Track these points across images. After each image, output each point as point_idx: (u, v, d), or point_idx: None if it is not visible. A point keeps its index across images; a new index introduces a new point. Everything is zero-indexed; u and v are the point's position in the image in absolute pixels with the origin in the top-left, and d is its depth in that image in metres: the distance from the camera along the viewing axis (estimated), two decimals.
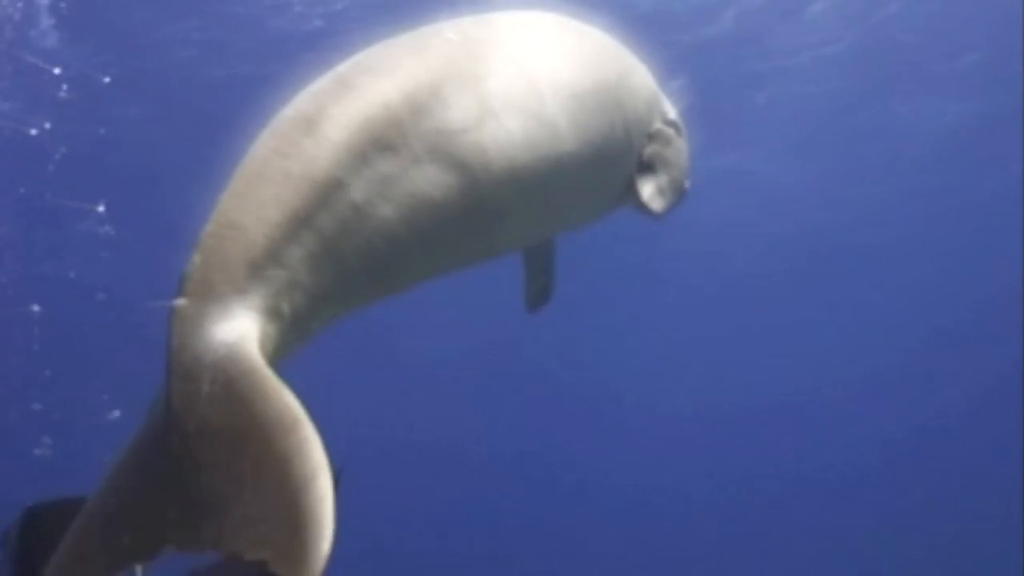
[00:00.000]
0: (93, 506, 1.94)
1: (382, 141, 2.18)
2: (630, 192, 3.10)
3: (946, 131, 14.35)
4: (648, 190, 3.09)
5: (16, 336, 13.23)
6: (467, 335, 18.40)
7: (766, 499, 24.52)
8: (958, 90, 13.51)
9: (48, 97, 10.85)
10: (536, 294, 3.78)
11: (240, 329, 1.87)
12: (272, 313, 1.96)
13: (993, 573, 17.92)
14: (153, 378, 1.99)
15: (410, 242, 2.22)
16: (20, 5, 9.59)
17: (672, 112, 3.45)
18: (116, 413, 10.74)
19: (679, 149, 3.34)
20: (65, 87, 10.72)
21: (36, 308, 12.94)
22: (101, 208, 12.25)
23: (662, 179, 3.15)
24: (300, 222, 2.03)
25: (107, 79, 11.05)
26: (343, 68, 2.34)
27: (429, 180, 2.23)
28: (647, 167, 3.14)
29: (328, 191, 2.08)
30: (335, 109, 2.18)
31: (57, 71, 10.47)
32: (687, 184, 3.37)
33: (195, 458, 1.76)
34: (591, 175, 2.76)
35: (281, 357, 1.96)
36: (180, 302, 1.87)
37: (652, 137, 3.20)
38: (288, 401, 1.78)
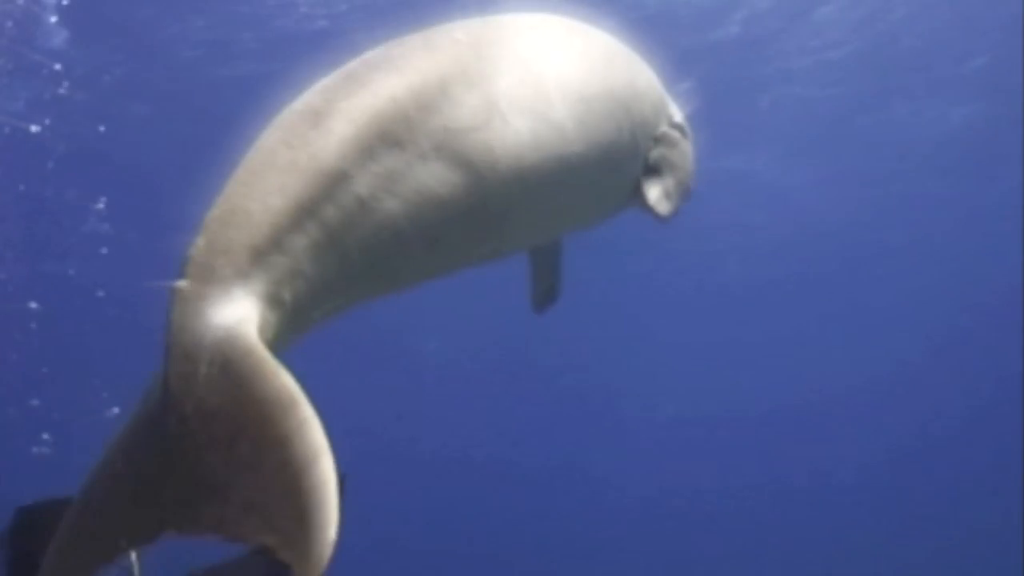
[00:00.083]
0: (89, 491, 1.93)
1: (389, 136, 2.18)
2: (636, 194, 3.10)
3: (950, 135, 14.36)
4: (654, 193, 3.08)
5: (15, 333, 13.23)
6: (472, 336, 18.41)
7: (768, 502, 24.53)
8: (962, 94, 13.52)
9: (50, 94, 10.86)
10: (543, 295, 3.78)
11: (240, 312, 1.87)
12: (273, 300, 1.96)
13: None
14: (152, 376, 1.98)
15: (414, 238, 2.22)
16: (22, 3, 9.59)
17: (678, 115, 3.45)
18: (115, 410, 10.72)
19: (685, 152, 3.34)
20: (67, 84, 10.73)
21: (35, 305, 12.93)
22: (101, 206, 12.25)
23: (668, 182, 3.15)
24: (305, 212, 2.03)
25: (108, 77, 11.06)
26: (352, 64, 2.35)
27: (435, 177, 2.23)
28: (653, 170, 3.13)
29: (334, 183, 2.08)
30: (343, 103, 2.18)
31: (58, 67, 10.48)
32: (693, 186, 3.37)
33: (193, 440, 1.75)
34: (597, 177, 2.76)
35: (280, 345, 1.95)
36: (181, 284, 1.87)
37: (658, 140, 3.19)
38: (286, 382, 1.78)
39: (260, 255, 1.95)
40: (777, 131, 14.09)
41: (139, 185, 12.58)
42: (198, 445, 1.75)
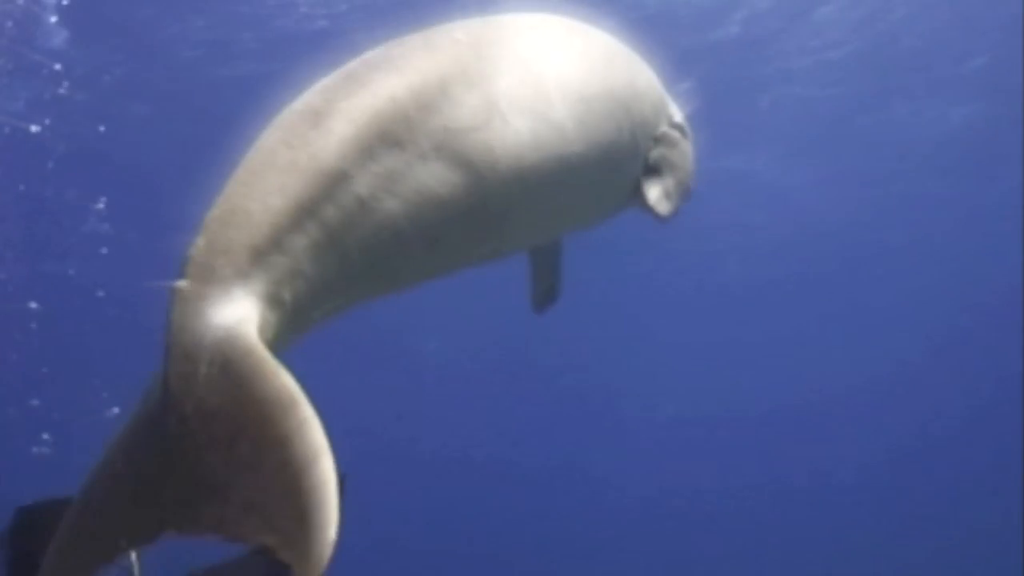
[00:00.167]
0: (89, 491, 1.93)
1: (389, 136, 2.18)
2: (637, 194, 3.10)
3: (950, 135, 14.37)
4: (655, 193, 3.08)
5: (15, 333, 13.23)
6: (472, 336, 18.42)
7: (768, 502, 24.53)
8: (962, 94, 13.53)
9: (50, 94, 10.85)
10: (543, 295, 3.78)
11: (240, 312, 1.87)
12: (273, 300, 1.96)
13: None
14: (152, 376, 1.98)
15: (414, 238, 2.22)
16: (22, 3, 9.59)
17: (678, 115, 3.45)
18: (115, 410, 10.72)
19: (685, 152, 3.34)
20: (67, 84, 10.72)
21: (35, 305, 12.93)
22: (101, 206, 12.25)
23: (668, 182, 3.15)
24: (305, 212, 2.03)
25: (108, 77, 11.05)
26: (352, 64, 2.35)
27: (435, 177, 2.23)
28: (653, 170, 3.13)
29: (333, 183, 2.08)
30: (343, 103, 2.18)
31: (58, 67, 10.47)
32: (693, 186, 3.37)
33: (193, 440, 1.75)
34: (597, 177, 2.76)
35: (280, 345, 1.95)
36: (181, 284, 1.87)
37: (658, 140, 3.19)
38: (286, 382, 1.78)
39: (260, 255, 1.95)
40: (777, 131, 14.09)
41: (139, 185, 12.58)
42: (198, 445, 1.75)
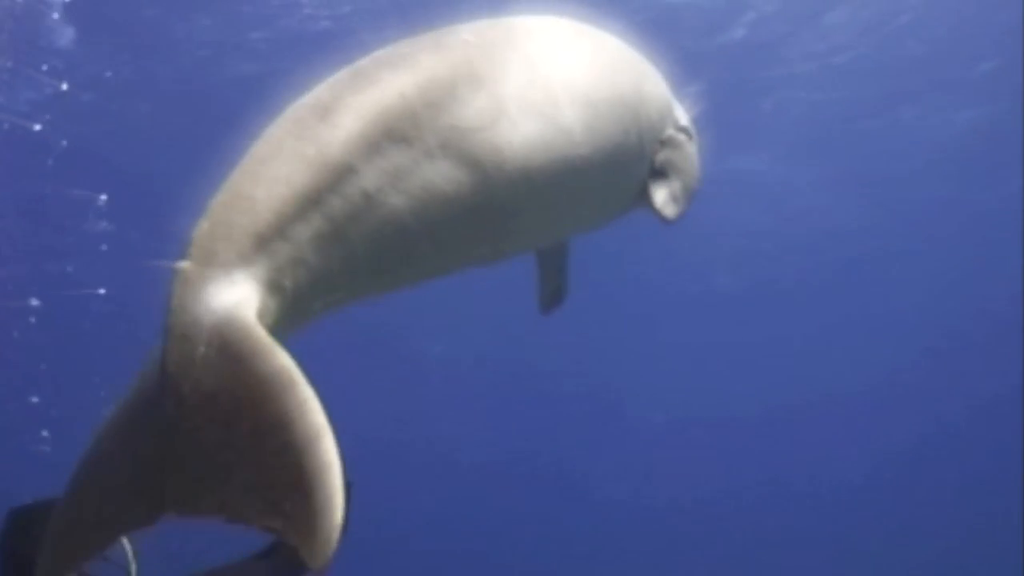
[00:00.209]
0: (83, 474, 1.92)
1: (396, 132, 2.19)
2: (643, 197, 3.11)
3: (955, 140, 14.38)
4: (661, 196, 3.09)
5: (14, 331, 13.21)
6: (478, 340, 18.43)
7: (769, 506, 24.52)
8: (967, 99, 13.54)
9: (54, 92, 10.85)
10: (549, 296, 3.79)
11: (240, 295, 1.87)
12: (274, 286, 1.96)
13: None
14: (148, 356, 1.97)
15: (419, 234, 2.22)
16: (26, 1, 9.59)
17: (684, 118, 3.45)
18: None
19: (691, 155, 3.35)
20: (71, 83, 10.72)
21: (36, 303, 12.92)
22: (101, 203, 12.24)
23: (675, 185, 3.16)
24: (310, 202, 2.04)
25: (112, 75, 11.05)
26: (362, 62, 2.36)
27: (441, 175, 2.24)
28: (659, 173, 3.14)
29: (340, 176, 2.09)
30: (351, 98, 2.19)
31: (62, 66, 10.47)
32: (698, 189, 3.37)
33: (190, 422, 1.75)
34: (604, 180, 2.77)
35: (279, 334, 1.94)
36: (183, 264, 1.87)
37: (664, 143, 3.20)
38: (284, 362, 1.77)
39: (263, 241, 1.95)
40: (782, 134, 14.10)
41: (141, 183, 12.57)
42: (196, 426, 1.74)
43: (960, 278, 18.86)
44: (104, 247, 12.88)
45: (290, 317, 2.03)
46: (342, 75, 2.30)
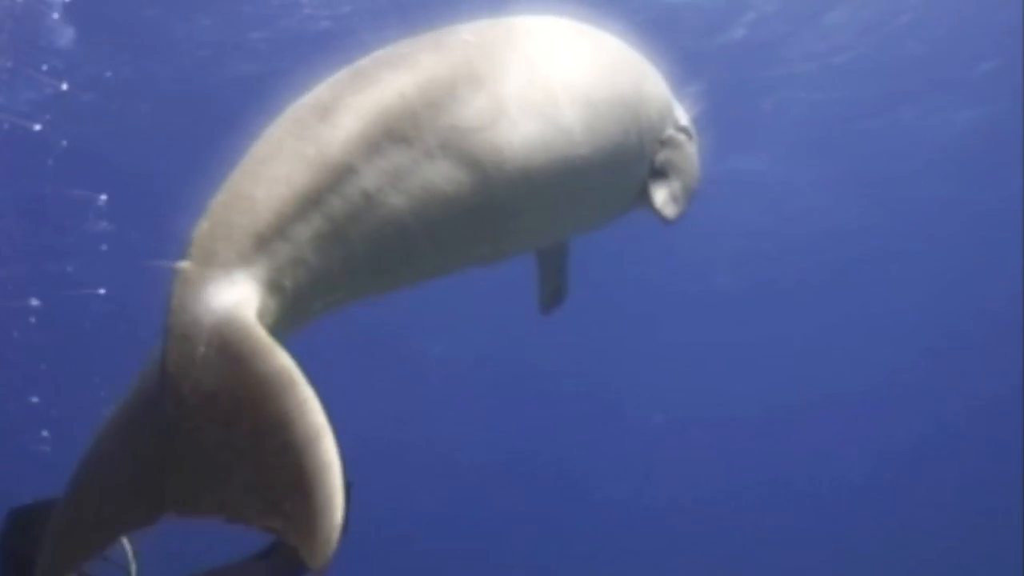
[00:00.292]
0: (83, 474, 1.92)
1: (396, 132, 2.19)
2: (643, 197, 3.11)
3: (955, 139, 14.37)
4: (661, 196, 3.09)
5: (14, 331, 13.21)
6: (478, 340, 18.43)
7: (770, 507, 24.52)
8: (968, 98, 13.54)
9: (54, 92, 10.84)
10: (550, 296, 3.79)
11: (240, 295, 1.87)
12: (274, 286, 1.96)
13: None
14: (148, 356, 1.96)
15: (419, 234, 2.22)
16: (24, 1, 9.58)
17: (684, 118, 3.44)
18: None
19: (691, 155, 3.34)
20: (71, 82, 10.71)
21: (36, 303, 12.92)
22: (102, 203, 12.23)
23: (675, 185, 3.15)
24: (310, 202, 2.04)
25: (112, 75, 11.04)
26: (362, 62, 2.36)
27: (441, 175, 2.24)
28: (660, 173, 3.14)
29: (340, 176, 2.09)
30: (351, 98, 2.20)
31: (62, 65, 10.46)
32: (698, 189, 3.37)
33: (190, 422, 1.75)
34: (604, 180, 2.77)
35: (279, 334, 1.94)
36: (183, 264, 1.87)
37: (664, 143, 3.19)
38: (284, 362, 1.77)
39: (263, 241, 1.96)
40: (782, 134, 14.10)
41: (141, 183, 12.57)
42: (195, 426, 1.74)
43: (960, 278, 18.86)
44: (104, 247, 12.88)
45: (290, 317, 2.03)
46: (342, 75, 2.30)
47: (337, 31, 10.54)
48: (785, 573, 22.12)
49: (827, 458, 23.88)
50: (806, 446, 23.73)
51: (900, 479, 24.68)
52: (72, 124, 11.12)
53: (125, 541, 3.34)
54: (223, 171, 2.10)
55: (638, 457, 23.52)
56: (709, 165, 3.59)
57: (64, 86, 10.71)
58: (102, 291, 13.72)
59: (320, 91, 2.25)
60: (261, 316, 1.88)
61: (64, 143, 11.16)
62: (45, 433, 13.01)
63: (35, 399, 13.75)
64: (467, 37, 2.50)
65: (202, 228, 1.94)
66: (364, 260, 2.15)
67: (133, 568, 3.43)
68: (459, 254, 2.45)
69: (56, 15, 10.00)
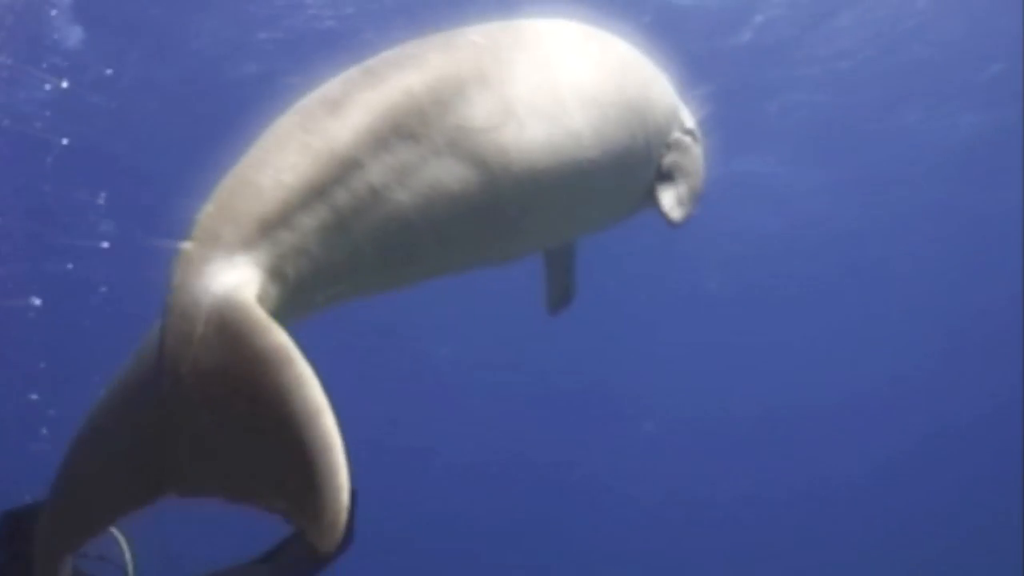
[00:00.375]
0: (78, 454, 1.92)
1: (404, 129, 2.20)
2: (649, 199, 3.12)
3: (959, 144, 14.38)
4: (668, 200, 3.10)
5: (14, 329, 13.20)
6: (484, 341, 18.44)
7: (771, 508, 24.54)
8: (972, 103, 13.54)
9: (59, 91, 10.85)
10: (558, 296, 3.81)
11: (240, 278, 1.88)
12: (275, 273, 1.97)
13: None
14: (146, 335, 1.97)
15: (424, 231, 2.23)
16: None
17: (690, 121, 3.45)
18: None
19: (697, 158, 3.35)
20: (77, 81, 10.72)
21: (38, 302, 12.92)
22: (103, 201, 12.24)
23: (681, 188, 3.17)
24: (315, 193, 2.05)
25: (117, 74, 11.05)
26: (372, 61, 2.38)
27: (448, 173, 2.25)
28: (666, 176, 3.15)
29: (346, 169, 2.10)
30: (360, 94, 2.21)
31: (68, 65, 10.47)
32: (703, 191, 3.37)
33: (188, 401, 1.74)
34: (610, 183, 2.78)
35: (279, 322, 1.94)
36: (186, 245, 1.89)
37: (671, 146, 3.20)
38: (281, 340, 1.77)
39: (267, 228, 1.96)
40: (787, 137, 14.11)
41: (144, 182, 12.57)
42: (193, 405, 1.74)
43: (964, 282, 18.87)
44: (105, 245, 12.88)
45: (291, 306, 2.03)
46: (352, 72, 2.31)
47: (342, 31, 10.54)
48: (785, 573, 22.13)
49: (827, 458, 23.91)
50: (807, 447, 23.77)
51: (900, 480, 24.70)
52: (74, 122, 11.13)
53: (123, 542, 3.33)
54: (227, 170, 2.10)
55: (639, 458, 23.52)
56: (715, 167, 3.59)
57: (64, 84, 10.71)
58: (103, 289, 13.72)
59: (330, 86, 2.27)
60: (261, 300, 1.89)
61: (65, 141, 11.16)
62: (45, 431, 13.00)
63: (34, 397, 13.74)
64: (476, 39, 2.51)
65: (207, 211, 1.95)
66: (368, 254, 2.16)
67: (131, 568, 3.42)
68: (464, 253, 2.46)
69: (61, 14, 10.01)
